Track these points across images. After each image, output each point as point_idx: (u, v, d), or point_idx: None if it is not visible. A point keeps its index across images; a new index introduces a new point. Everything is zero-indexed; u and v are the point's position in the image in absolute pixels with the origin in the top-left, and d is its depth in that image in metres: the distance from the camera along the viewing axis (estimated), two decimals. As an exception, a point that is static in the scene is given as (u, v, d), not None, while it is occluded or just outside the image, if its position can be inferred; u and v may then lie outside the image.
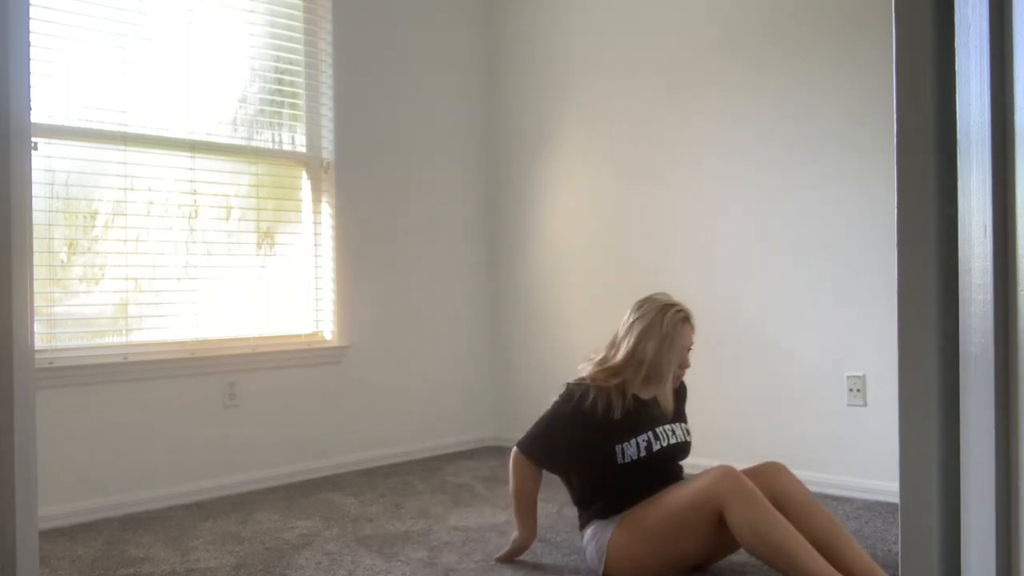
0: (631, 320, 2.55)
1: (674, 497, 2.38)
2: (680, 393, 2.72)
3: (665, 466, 2.54)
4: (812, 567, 2.17)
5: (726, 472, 2.30)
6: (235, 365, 3.72)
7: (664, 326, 2.49)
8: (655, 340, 2.49)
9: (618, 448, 2.46)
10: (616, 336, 2.59)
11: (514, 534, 2.72)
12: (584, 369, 2.60)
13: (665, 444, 2.51)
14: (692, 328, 2.58)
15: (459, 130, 4.66)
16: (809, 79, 3.55)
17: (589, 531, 2.53)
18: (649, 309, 2.54)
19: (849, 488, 3.41)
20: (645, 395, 2.56)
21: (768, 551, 2.22)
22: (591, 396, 2.48)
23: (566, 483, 2.64)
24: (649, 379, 2.54)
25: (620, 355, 2.52)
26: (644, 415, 2.52)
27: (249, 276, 3.83)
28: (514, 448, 2.60)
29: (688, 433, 2.65)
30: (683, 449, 2.61)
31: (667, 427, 2.55)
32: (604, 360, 2.57)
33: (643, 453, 2.46)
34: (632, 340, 2.51)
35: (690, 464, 3.82)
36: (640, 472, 2.47)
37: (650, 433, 2.49)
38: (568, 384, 2.58)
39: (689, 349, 2.59)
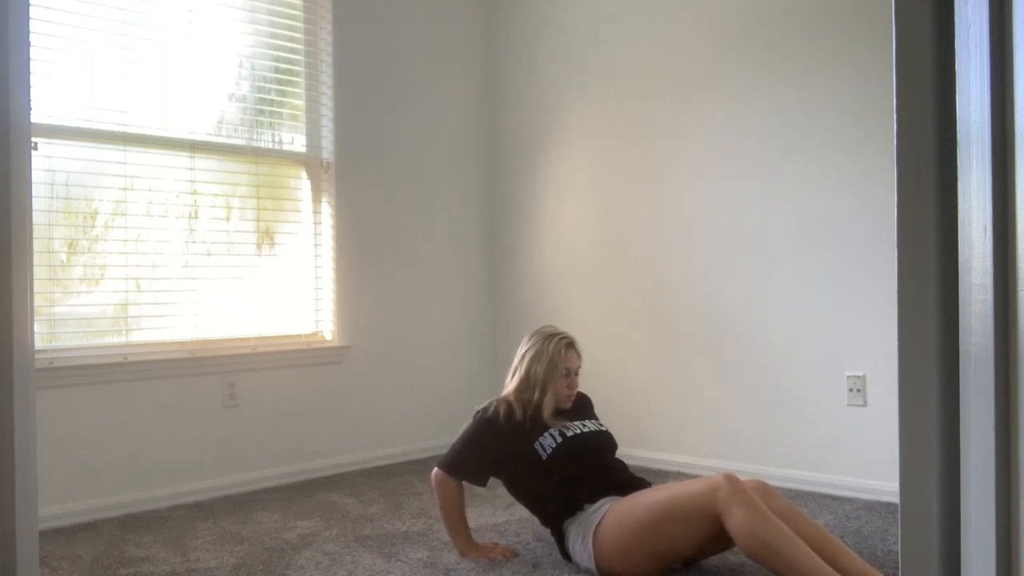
0: (523, 351, 2.84)
1: (668, 494, 2.42)
2: (583, 404, 2.93)
3: (594, 454, 2.69)
4: (812, 569, 2.18)
5: (727, 478, 2.33)
6: (235, 365, 3.72)
7: (550, 351, 2.78)
8: (542, 364, 2.76)
9: (536, 445, 2.65)
10: (512, 368, 2.85)
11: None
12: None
13: (578, 432, 2.70)
14: (577, 354, 2.85)
15: (459, 130, 4.66)
16: (809, 80, 3.55)
17: (571, 534, 2.56)
18: (537, 339, 2.83)
19: (849, 488, 3.41)
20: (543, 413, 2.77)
21: (768, 555, 2.24)
22: (492, 407, 2.76)
23: (531, 509, 2.77)
24: (542, 400, 2.75)
25: (514, 382, 2.81)
26: (546, 420, 2.72)
27: (249, 276, 3.83)
28: (434, 469, 2.78)
29: (603, 426, 2.83)
30: (603, 438, 2.78)
31: (575, 423, 2.75)
32: (503, 390, 2.85)
33: (559, 439, 2.65)
34: (524, 367, 2.79)
35: (689, 464, 3.84)
36: (571, 460, 2.63)
37: (560, 427, 2.70)
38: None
39: (576, 373, 2.83)
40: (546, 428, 2.69)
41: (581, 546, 2.52)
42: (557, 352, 2.78)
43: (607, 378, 4.02)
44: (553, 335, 2.83)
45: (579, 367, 2.86)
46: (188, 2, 3.64)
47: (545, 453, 2.65)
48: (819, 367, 3.53)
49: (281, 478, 3.82)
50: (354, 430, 4.14)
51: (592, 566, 2.49)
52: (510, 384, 2.83)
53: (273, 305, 3.92)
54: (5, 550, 1.58)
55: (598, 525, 2.48)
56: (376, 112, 4.25)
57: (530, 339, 2.86)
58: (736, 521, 2.25)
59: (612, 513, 2.47)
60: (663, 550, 2.42)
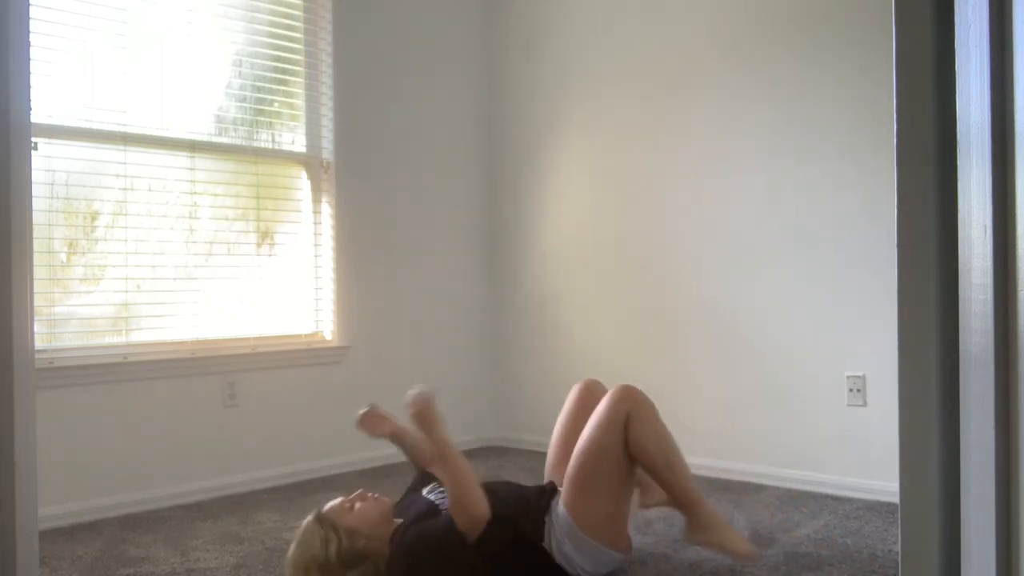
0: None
1: (588, 440, 2.46)
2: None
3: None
4: (689, 477, 2.46)
5: (628, 388, 2.46)
6: (235, 365, 3.72)
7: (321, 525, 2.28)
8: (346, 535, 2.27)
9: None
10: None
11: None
12: None
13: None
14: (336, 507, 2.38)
15: (459, 130, 4.66)
16: (809, 79, 3.55)
17: (564, 551, 2.42)
18: (315, 529, 2.27)
19: (849, 488, 3.41)
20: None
21: (662, 461, 2.41)
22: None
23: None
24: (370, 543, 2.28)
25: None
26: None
27: (249, 276, 3.83)
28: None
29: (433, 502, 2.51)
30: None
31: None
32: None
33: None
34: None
35: (688, 464, 3.83)
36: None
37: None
38: None
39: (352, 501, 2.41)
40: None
41: (578, 553, 2.41)
42: (325, 520, 2.28)
43: (605, 377, 4.01)
44: (312, 520, 2.30)
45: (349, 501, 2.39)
46: (188, 2, 3.64)
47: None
48: (819, 367, 3.53)
49: (281, 478, 3.82)
50: (354, 430, 4.13)
51: (599, 551, 2.42)
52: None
53: (273, 305, 3.92)
54: (5, 550, 1.58)
55: (571, 525, 2.40)
56: (376, 112, 4.25)
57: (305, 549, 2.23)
58: (644, 427, 2.40)
59: (569, 507, 2.41)
60: (628, 489, 2.52)
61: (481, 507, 2.27)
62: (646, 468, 2.45)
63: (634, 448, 2.40)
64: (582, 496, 2.43)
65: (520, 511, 2.44)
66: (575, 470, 2.46)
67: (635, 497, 2.71)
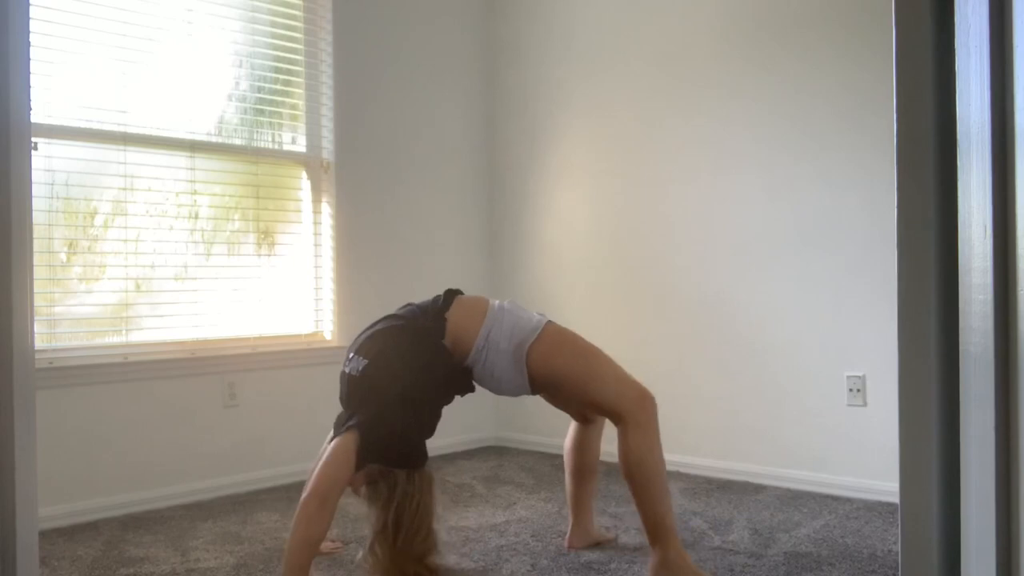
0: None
1: (599, 367, 2.57)
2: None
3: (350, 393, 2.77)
4: (669, 509, 2.40)
5: (650, 399, 2.48)
6: (235, 365, 3.72)
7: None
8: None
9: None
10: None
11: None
12: None
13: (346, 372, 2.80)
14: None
15: (459, 130, 4.66)
16: (809, 78, 3.55)
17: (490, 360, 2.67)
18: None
19: (849, 488, 3.41)
20: None
21: (646, 478, 2.38)
22: None
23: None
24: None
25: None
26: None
27: (249, 276, 3.83)
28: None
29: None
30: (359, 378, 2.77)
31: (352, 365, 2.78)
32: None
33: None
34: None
35: (688, 464, 3.84)
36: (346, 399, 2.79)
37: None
38: None
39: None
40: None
41: (513, 363, 2.62)
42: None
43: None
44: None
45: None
46: (188, 2, 3.64)
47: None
48: (819, 367, 3.53)
49: (281, 478, 3.82)
50: (354, 430, 4.13)
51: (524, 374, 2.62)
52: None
53: (273, 305, 3.92)
54: (5, 550, 1.58)
55: (521, 354, 2.60)
56: (376, 112, 4.25)
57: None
58: (631, 438, 2.41)
59: (538, 351, 2.59)
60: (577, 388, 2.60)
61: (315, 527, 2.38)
62: (629, 479, 2.43)
63: (621, 454, 2.43)
64: (559, 354, 2.59)
65: (416, 316, 2.77)
66: (574, 345, 2.63)
67: (567, 537, 2.87)
